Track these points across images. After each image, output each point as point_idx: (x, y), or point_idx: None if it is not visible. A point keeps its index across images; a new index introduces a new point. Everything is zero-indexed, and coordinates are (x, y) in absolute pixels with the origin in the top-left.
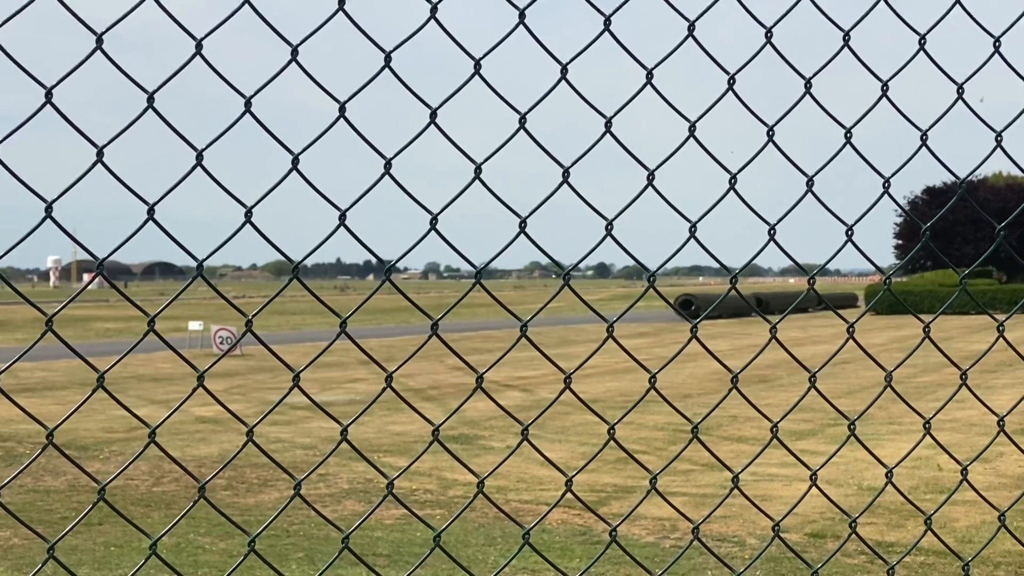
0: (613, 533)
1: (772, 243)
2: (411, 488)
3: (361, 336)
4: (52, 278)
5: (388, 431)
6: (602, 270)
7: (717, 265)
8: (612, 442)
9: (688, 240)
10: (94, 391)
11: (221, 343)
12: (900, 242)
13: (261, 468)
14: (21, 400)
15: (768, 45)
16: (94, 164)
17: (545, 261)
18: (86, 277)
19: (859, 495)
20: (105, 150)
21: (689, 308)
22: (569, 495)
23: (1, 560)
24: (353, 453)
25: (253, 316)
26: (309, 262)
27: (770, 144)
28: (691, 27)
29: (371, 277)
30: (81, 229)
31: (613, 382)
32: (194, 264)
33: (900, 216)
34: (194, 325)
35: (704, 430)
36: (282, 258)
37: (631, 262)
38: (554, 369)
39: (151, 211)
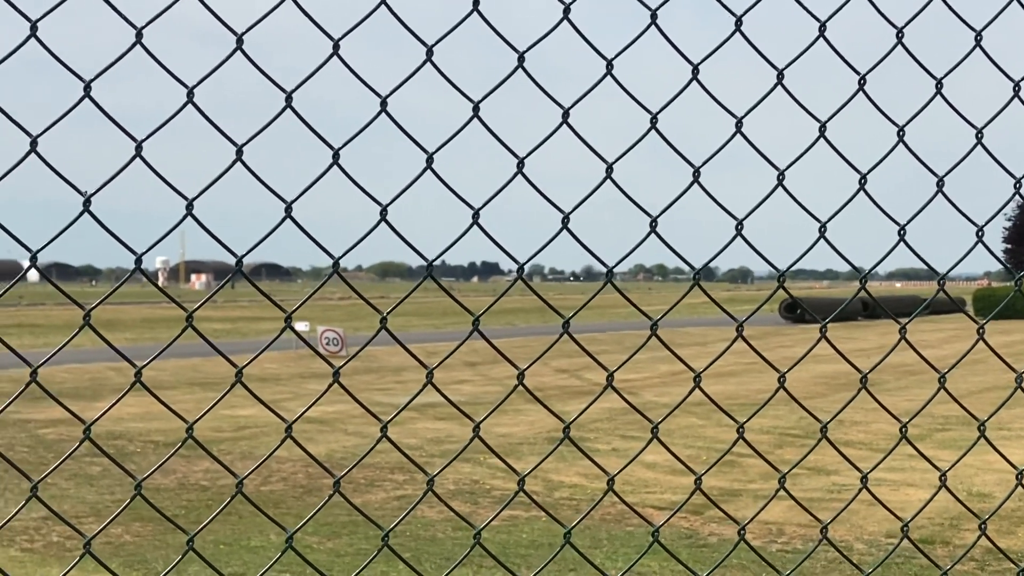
0: (742, 532)
1: (894, 247)
2: (515, 490)
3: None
4: (160, 278)
5: (493, 432)
6: (707, 273)
7: (822, 268)
8: (711, 447)
9: (817, 240)
10: (132, 386)
11: (327, 344)
12: (1009, 246)
13: (368, 468)
14: (131, 398)
15: (899, 45)
16: (132, 158)
17: (649, 263)
18: (194, 278)
19: (969, 501)
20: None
21: (794, 312)
22: (669, 498)
23: (113, 557)
24: (457, 453)
25: (388, 313)
26: (413, 263)
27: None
28: (822, 27)
29: (475, 279)
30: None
31: (718, 385)
32: (303, 266)
33: (1009, 220)
34: (300, 326)
35: (809, 434)
36: (388, 260)
37: (735, 265)
38: (658, 372)
39: (288, 209)
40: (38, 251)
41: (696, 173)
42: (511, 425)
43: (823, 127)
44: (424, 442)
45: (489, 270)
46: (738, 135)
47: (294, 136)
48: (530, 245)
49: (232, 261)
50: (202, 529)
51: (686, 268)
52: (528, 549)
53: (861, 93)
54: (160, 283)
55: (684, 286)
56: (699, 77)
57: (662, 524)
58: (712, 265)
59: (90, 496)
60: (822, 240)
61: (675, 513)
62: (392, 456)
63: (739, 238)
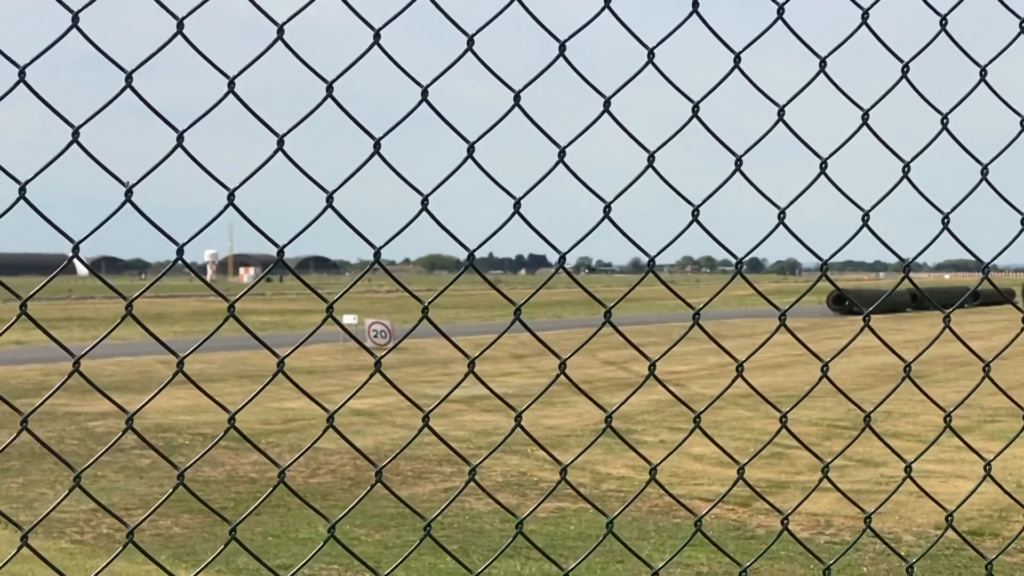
0: (785, 522)
1: (937, 236)
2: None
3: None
4: (209, 272)
5: (541, 424)
6: (755, 265)
7: (870, 260)
8: (759, 438)
9: (861, 229)
10: (174, 376)
11: (375, 336)
12: None
13: (415, 460)
14: (180, 391)
15: (943, 32)
16: (174, 148)
17: (697, 255)
18: (242, 271)
19: (1018, 493)
20: (285, 140)
21: (842, 304)
22: (716, 490)
23: (162, 548)
24: (507, 446)
25: (430, 303)
26: (462, 255)
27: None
28: (865, 14)
29: (523, 272)
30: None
31: (765, 377)
32: (350, 259)
33: None
34: (348, 319)
35: (857, 426)
36: (436, 252)
37: (783, 257)
38: (707, 364)
39: (330, 199)
40: (79, 242)
41: (738, 162)
42: (559, 417)
43: (866, 115)
44: (471, 434)
45: (537, 262)
46: (780, 124)
47: (334, 128)
48: (575, 237)
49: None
50: (244, 519)
51: (733, 260)
52: (576, 541)
53: (904, 81)
54: (209, 277)
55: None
56: (741, 65)
57: (705, 513)
58: (760, 257)
59: (139, 488)
60: (868, 231)
61: (717, 503)
62: (440, 448)
63: (781, 227)
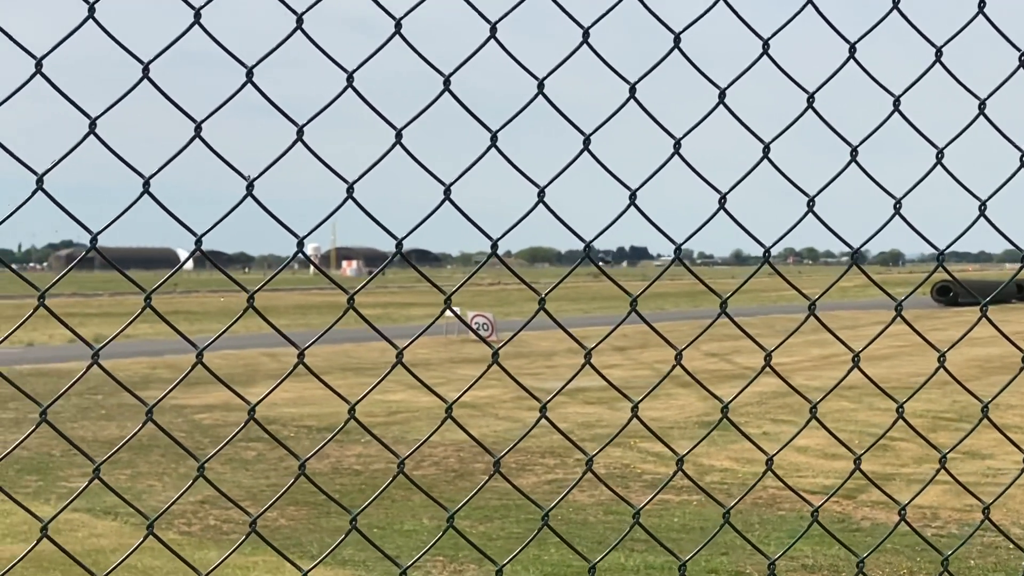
0: (902, 513)
1: None
2: (668, 473)
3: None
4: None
5: (644, 416)
6: (857, 256)
7: (975, 251)
8: (864, 431)
9: (977, 219)
10: (295, 368)
11: (477, 329)
12: None
13: (519, 453)
14: (285, 383)
15: None
16: (294, 143)
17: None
18: (345, 264)
19: None
20: (402, 132)
21: (946, 295)
22: (821, 482)
23: (270, 540)
24: (608, 438)
25: (546, 294)
26: (563, 248)
27: None
28: (982, 3)
29: (624, 264)
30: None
31: (869, 369)
32: (452, 252)
33: None
34: (450, 312)
35: (963, 417)
36: (538, 244)
37: (886, 248)
38: (810, 356)
39: (447, 191)
40: (202, 235)
41: (854, 152)
42: (662, 409)
43: (983, 104)
44: (575, 426)
45: (638, 254)
46: (895, 114)
47: (445, 124)
48: (678, 228)
49: (381, 247)
50: (363, 510)
51: (836, 251)
52: (679, 533)
53: (1022, 70)
54: (312, 270)
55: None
56: (856, 56)
57: (820, 505)
58: (863, 248)
59: (246, 480)
60: (985, 221)
61: (832, 495)
62: (543, 440)
63: (897, 218)
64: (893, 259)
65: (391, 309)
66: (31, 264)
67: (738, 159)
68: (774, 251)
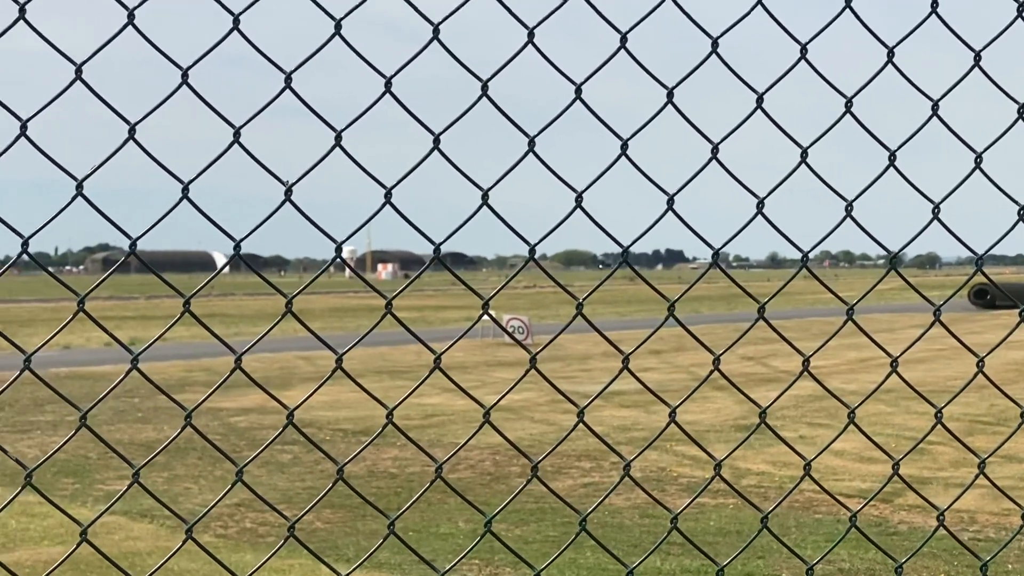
0: (941, 518)
1: None
2: (704, 477)
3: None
4: (347, 269)
5: (680, 420)
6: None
7: (1012, 254)
8: (900, 434)
9: (1016, 223)
10: (333, 372)
11: (513, 332)
12: None
13: (554, 456)
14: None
15: None
16: (332, 148)
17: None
18: (380, 267)
19: None
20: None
21: (984, 298)
22: (858, 485)
23: (306, 543)
24: (645, 442)
25: (584, 299)
26: (599, 252)
27: None
28: (1021, 8)
29: (659, 267)
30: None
31: (906, 372)
32: (487, 255)
33: None
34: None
35: (1000, 421)
36: (573, 248)
37: (923, 251)
38: (846, 359)
39: (485, 196)
40: (241, 240)
41: (892, 157)
42: (698, 412)
43: (1021, 108)
44: (611, 430)
45: (673, 258)
46: (934, 118)
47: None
48: (714, 232)
49: (417, 250)
50: (401, 514)
51: (872, 254)
52: (716, 536)
53: None
54: (348, 273)
55: (870, 273)
56: (894, 60)
57: (860, 509)
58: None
59: (281, 483)
60: (1014, 225)
61: (871, 499)
62: (578, 444)
63: (935, 222)
64: (929, 262)
65: (426, 312)
66: (67, 267)
67: (764, 160)
68: (811, 254)
